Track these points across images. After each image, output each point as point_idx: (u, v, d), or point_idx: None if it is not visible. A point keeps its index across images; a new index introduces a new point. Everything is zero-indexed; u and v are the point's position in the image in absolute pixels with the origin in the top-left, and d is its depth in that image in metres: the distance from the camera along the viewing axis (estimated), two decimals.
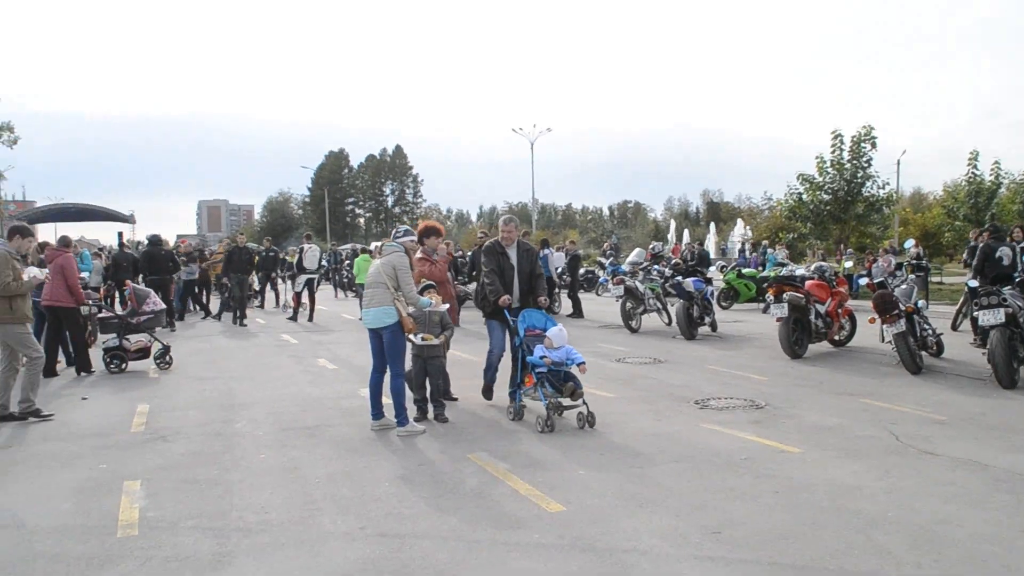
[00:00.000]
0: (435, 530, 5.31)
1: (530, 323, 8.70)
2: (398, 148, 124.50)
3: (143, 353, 12.82)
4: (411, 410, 8.31)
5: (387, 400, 8.19)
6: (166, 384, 11.29)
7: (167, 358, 12.82)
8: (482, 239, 19.89)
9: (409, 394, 8.37)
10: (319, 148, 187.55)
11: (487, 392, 9.49)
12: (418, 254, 9.65)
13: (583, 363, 8.28)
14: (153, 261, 19.00)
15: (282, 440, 7.85)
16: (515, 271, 9.08)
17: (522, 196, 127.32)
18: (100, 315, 13.12)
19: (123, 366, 12.48)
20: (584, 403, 8.05)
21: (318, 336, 17.13)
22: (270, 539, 5.22)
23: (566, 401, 8.05)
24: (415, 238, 8.75)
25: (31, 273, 9.35)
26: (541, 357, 8.15)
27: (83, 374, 12.14)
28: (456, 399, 9.49)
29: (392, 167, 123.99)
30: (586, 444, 7.45)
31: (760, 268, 25.94)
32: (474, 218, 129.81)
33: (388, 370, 8.17)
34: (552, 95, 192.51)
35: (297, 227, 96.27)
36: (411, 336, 8.32)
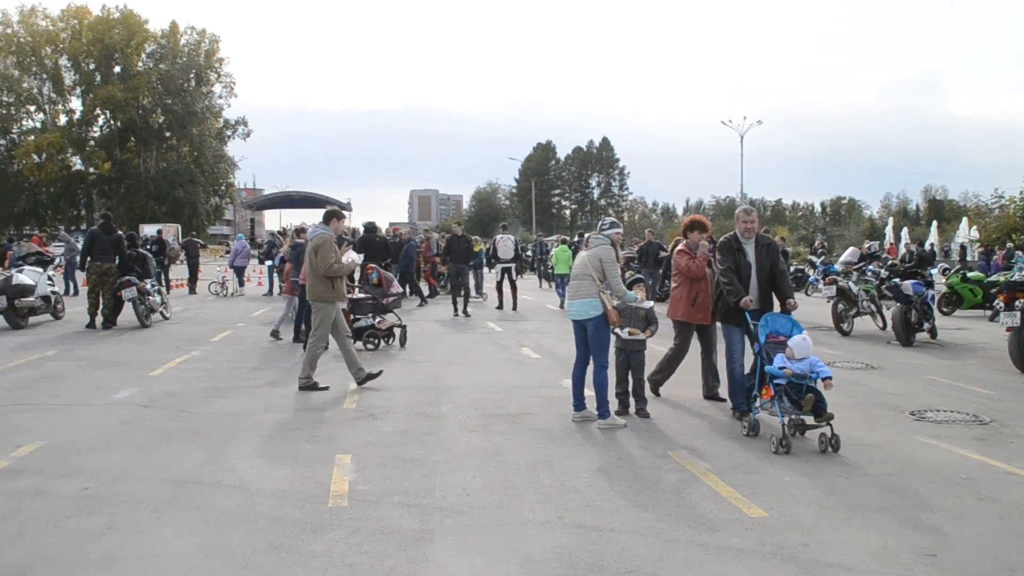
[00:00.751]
0: (632, 525, 5.28)
1: (773, 328, 7.84)
2: (605, 140, 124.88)
3: (391, 332, 13.66)
4: (613, 403, 8.31)
5: (589, 392, 8.23)
6: (377, 365, 11.79)
7: (404, 336, 13.79)
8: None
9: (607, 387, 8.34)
10: (527, 140, 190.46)
11: (736, 409, 8.46)
12: (680, 246, 9.42)
13: (830, 377, 7.42)
14: (368, 247, 19.93)
15: (485, 425, 8.05)
16: (753, 268, 8.35)
17: (729, 190, 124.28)
18: (355, 296, 13.89)
19: (378, 344, 13.31)
20: (830, 424, 7.18)
21: (522, 325, 17.43)
22: (471, 520, 5.37)
23: (808, 419, 7.27)
24: (621, 231, 8.57)
25: (350, 257, 9.95)
26: (781, 368, 7.41)
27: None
28: (659, 395, 9.40)
29: (599, 159, 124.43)
30: (792, 449, 7.18)
31: (991, 273, 24.09)
32: (680, 212, 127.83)
33: (592, 362, 8.20)
34: (762, 84, 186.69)
35: (504, 217, 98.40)
36: (617, 330, 8.30)
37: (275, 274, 23.28)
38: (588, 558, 4.73)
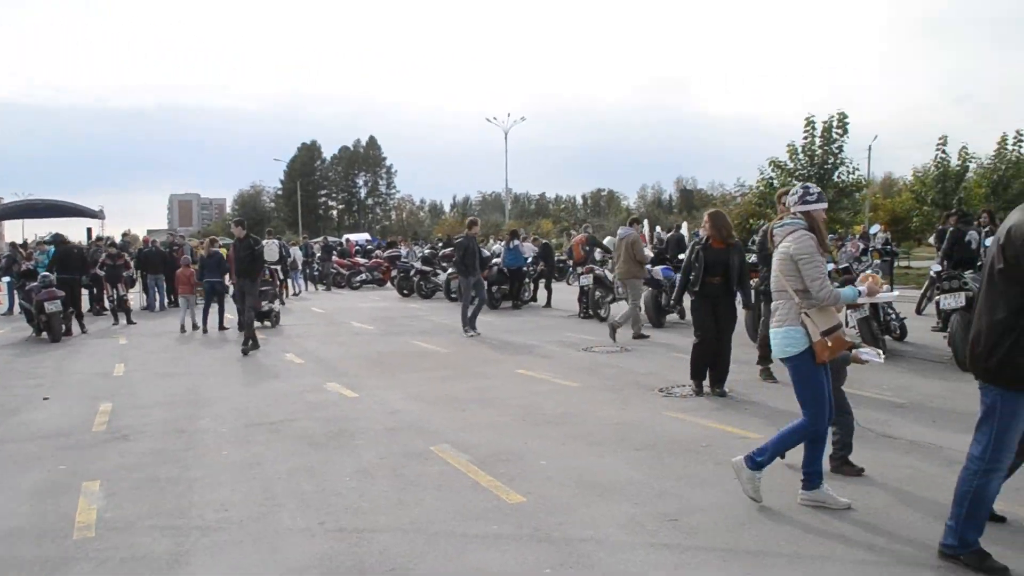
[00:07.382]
0: (395, 524, 5.30)
1: None
2: (372, 139, 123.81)
3: None
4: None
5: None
6: (130, 383, 11.15)
7: None
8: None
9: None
10: (292, 140, 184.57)
11: None
12: None
13: None
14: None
15: (246, 436, 7.80)
16: None
17: (495, 186, 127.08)
18: None
19: None
20: None
21: (287, 330, 16.98)
22: (228, 536, 5.20)
23: None
24: (824, 204, 5.55)
25: None
26: None
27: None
28: None
29: (365, 159, 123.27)
30: (548, 435, 7.46)
31: None
32: (447, 209, 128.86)
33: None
34: (525, 83, 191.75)
35: (269, 220, 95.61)
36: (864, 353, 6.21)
37: (15, 291, 21.36)
38: (349, 561, 4.71)
